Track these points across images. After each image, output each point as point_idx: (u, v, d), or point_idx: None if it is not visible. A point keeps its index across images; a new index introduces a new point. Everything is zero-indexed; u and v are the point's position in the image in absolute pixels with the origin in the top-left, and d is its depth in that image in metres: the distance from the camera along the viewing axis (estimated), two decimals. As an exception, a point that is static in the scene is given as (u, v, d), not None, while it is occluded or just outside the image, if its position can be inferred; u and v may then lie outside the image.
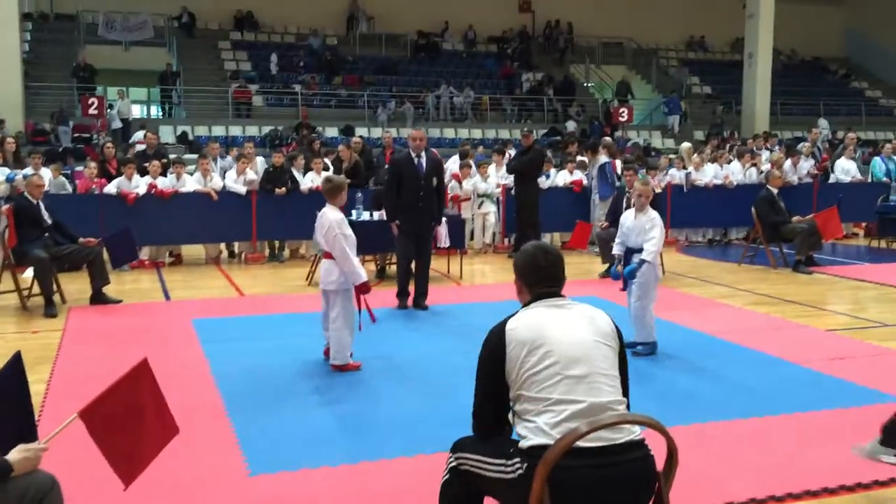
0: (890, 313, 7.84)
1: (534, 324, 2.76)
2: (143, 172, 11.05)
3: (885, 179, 13.75)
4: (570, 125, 23.51)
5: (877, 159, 14.38)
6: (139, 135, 16.65)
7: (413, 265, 8.12)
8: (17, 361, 2.80)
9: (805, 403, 5.04)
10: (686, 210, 12.81)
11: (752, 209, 10.64)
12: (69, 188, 11.32)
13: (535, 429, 2.61)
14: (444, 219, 9.96)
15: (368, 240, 9.55)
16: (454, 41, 27.86)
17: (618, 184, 12.18)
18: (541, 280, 2.89)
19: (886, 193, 12.98)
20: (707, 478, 3.88)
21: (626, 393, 2.82)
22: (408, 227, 7.92)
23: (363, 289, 5.79)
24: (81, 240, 8.29)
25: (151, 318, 7.67)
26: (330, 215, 5.88)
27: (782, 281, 9.65)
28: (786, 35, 26.10)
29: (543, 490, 2.49)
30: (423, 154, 8.09)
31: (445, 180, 11.32)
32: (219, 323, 7.40)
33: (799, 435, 4.53)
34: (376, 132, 21.83)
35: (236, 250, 11.96)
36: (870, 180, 14.00)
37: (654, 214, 6.40)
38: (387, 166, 9.33)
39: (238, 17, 25.74)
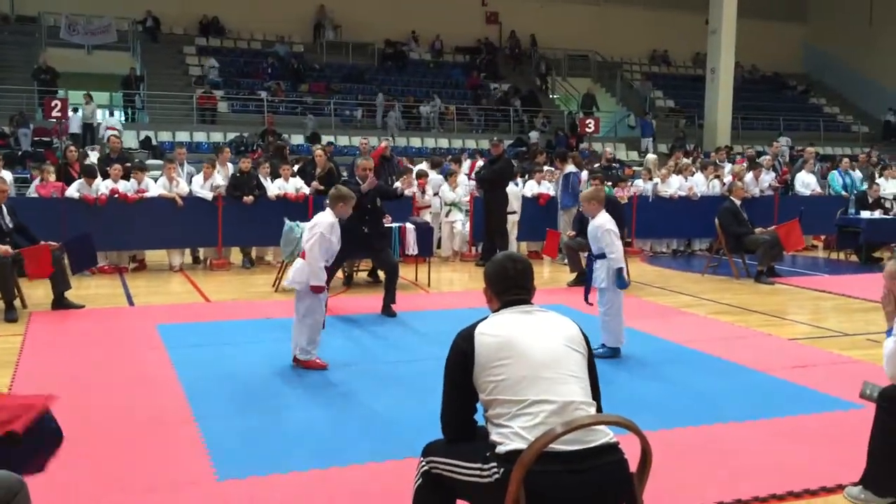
0: (849, 323, 8.01)
1: (504, 328, 2.76)
2: (105, 175, 10.90)
3: (843, 193, 14.07)
4: (534, 136, 23.66)
5: (834, 173, 14.72)
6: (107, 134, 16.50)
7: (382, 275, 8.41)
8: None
9: (769, 410, 5.13)
10: (651, 221, 12.96)
11: (716, 220, 10.80)
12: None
13: (512, 434, 2.60)
14: (411, 226, 9.99)
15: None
16: (421, 51, 27.94)
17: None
18: (509, 288, 2.90)
19: (845, 206, 13.27)
20: (675, 482, 3.92)
21: (597, 398, 2.84)
22: (362, 253, 8.35)
23: (317, 290, 5.91)
24: (42, 243, 8.15)
25: (115, 324, 7.55)
26: (325, 217, 6.02)
27: (745, 291, 9.80)
28: (747, 50, 26.61)
29: (520, 492, 2.50)
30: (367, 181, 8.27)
31: (410, 187, 11.43)
32: (185, 328, 7.31)
33: (764, 440, 4.61)
34: (343, 140, 21.79)
35: (201, 256, 11.83)
36: (828, 193, 14.31)
37: (599, 221, 6.51)
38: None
39: (203, 22, 25.55)
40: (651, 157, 15.85)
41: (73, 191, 10.58)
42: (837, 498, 3.85)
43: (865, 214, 12.54)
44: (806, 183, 14.20)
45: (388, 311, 8.04)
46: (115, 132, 16.79)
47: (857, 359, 6.49)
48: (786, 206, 13.37)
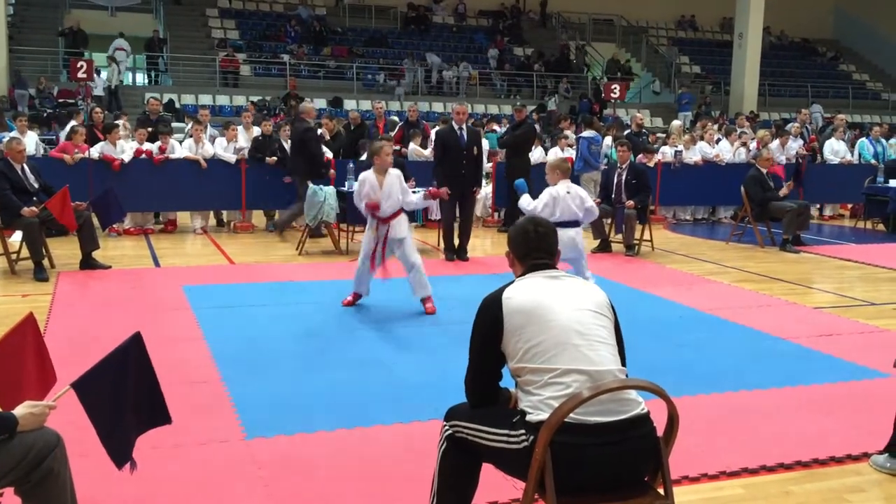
0: (875, 292, 7.94)
1: (531, 293, 2.73)
2: (154, 138, 11.07)
3: (872, 161, 13.87)
4: (553, 102, 23.41)
5: (864, 141, 14.49)
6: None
7: (457, 225, 9.25)
8: (138, 341, 2.77)
9: (794, 378, 5.11)
10: (675, 188, 12.86)
11: (742, 188, 10.69)
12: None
13: (541, 402, 2.58)
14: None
15: (359, 210, 9.55)
16: (444, 14, 27.66)
17: (606, 161, 12.23)
18: (531, 252, 2.87)
19: (874, 175, 13.08)
20: (699, 448, 3.93)
21: (623, 365, 2.83)
22: (452, 192, 8.29)
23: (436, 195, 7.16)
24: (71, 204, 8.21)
25: (142, 284, 7.64)
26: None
27: (770, 259, 9.73)
28: (776, 15, 26.12)
29: (546, 455, 2.50)
30: (464, 126, 9.25)
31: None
32: (210, 290, 7.38)
33: (789, 408, 4.60)
34: (365, 104, 21.71)
35: (225, 219, 11.90)
36: (857, 162, 14.12)
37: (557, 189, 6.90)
38: (433, 137, 10.62)
39: (226, -17, 25.44)
40: (676, 123, 15.66)
41: (94, 151, 10.64)
42: (863, 466, 3.84)
43: (894, 183, 12.35)
44: (836, 150, 14.00)
45: (462, 256, 9.15)
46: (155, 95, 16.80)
47: (884, 328, 6.44)
48: (813, 174, 13.21)
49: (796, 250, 10.25)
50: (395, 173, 6.67)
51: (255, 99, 20.78)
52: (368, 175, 6.64)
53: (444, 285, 7.83)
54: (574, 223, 6.90)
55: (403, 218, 6.74)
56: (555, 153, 12.84)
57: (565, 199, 6.82)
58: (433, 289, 6.72)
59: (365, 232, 6.84)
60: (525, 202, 6.89)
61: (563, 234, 6.34)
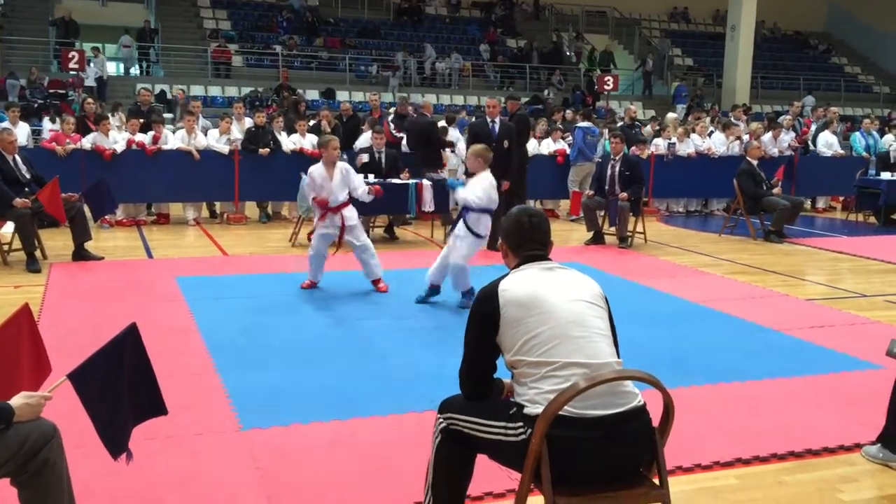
0: (867, 284, 7.98)
1: (527, 285, 2.72)
2: (146, 128, 11.03)
3: (864, 154, 13.92)
4: (552, 94, 23.41)
5: (856, 134, 14.54)
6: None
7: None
8: (134, 332, 2.76)
9: (787, 369, 5.14)
10: (668, 180, 12.88)
11: (735, 181, 10.72)
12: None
13: (540, 396, 2.57)
14: (428, 182, 9.97)
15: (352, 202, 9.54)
16: (437, 5, 27.59)
17: (601, 153, 12.24)
18: (524, 242, 2.86)
19: (865, 167, 13.13)
20: (694, 438, 3.95)
21: (618, 355, 2.83)
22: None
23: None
24: (63, 195, 8.18)
25: (135, 275, 7.62)
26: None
27: (762, 251, 9.77)
28: (769, 8, 26.13)
29: (543, 446, 2.51)
30: (496, 120, 9.26)
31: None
32: (203, 281, 7.37)
33: (782, 399, 4.62)
34: (357, 96, 21.66)
35: (218, 210, 11.87)
36: (848, 154, 14.17)
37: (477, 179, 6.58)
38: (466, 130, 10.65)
39: (218, -26, 25.30)
40: (670, 116, 15.69)
41: (86, 142, 10.59)
42: (855, 456, 3.87)
43: (886, 176, 12.41)
44: (829, 143, 14.04)
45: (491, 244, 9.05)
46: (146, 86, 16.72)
47: (875, 320, 6.47)
48: (805, 166, 13.25)
49: (780, 241, 10.32)
50: (341, 166, 7.13)
51: (247, 90, 20.72)
52: (318, 168, 7.05)
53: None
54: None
55: (352, 206, 7.20)
56: (548, 145, 12.87)
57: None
58: (447, 279, 6.71)
59: (314, 225, 7.26)
60: (462, 195, 6.52)
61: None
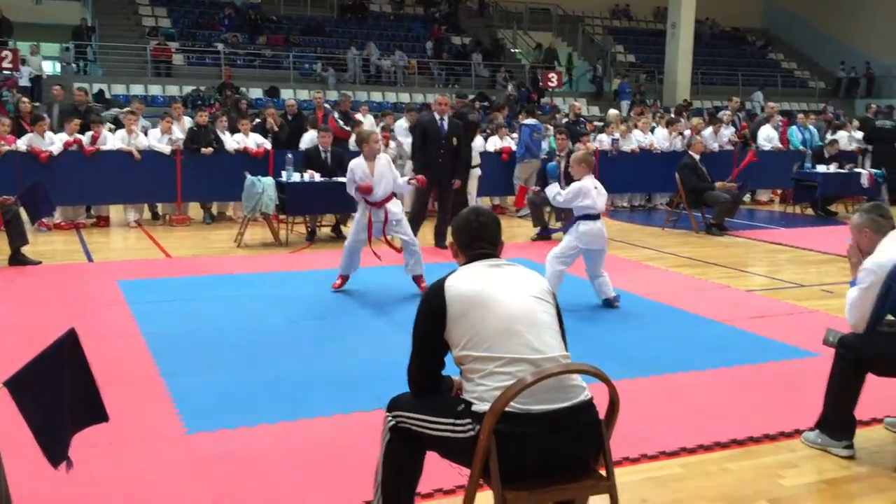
0: (804, 274, 8.19)
1: (473, 281, 2.74)
2: (85, 129, 10.75)
3: (801, 148, 14.27)
4: (510, 88, 23.46)
5: (794, 128, 14.89)
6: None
7: (437, 212, 9.51)
8: (73, 337, 2.66)
9: (729, 359, 5.25)
10: (612, 176, 13.00)
11: (676, 175, 10.90)
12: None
13: (487, 394, 2.58)
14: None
15: (298, 201, 9.48)
16: (381, 3, 27.49)
17: (546, 149, 12.33)
18: (473, 241, 2.89)
19: (801, 161, 13.47)
20: (639, 430, 4.01)
21: (566, 349, 2.86)
22: (430, 180, 8.41)
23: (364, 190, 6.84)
24: (-3, 198, 7.96)
25: (75, 280, 7.44)
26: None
27: (704, 244, 9.96)
28: (707, 5, 26.62)
29: (490, 441, 2.52)
30: (445, 117, 9.22)
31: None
32: (146, 284, 7.22)
33: (725, 388, 4.72)
34: (302, 94, 21.46)
35: (160, 212, 11.66)
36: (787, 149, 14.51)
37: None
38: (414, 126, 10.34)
39: (157, -29, 24.81)
40: (613, 112, 15.88)
41: (21, 143, 10.29)
42: (795, 442, 3.97)
43: (822, 168, 12.74)
44: (769, 137, 14.35)
45: (439, 244, 9.25)
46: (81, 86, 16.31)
47: (813, 309, 6.65)
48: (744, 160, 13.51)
49: (721, 234, 10.55)
50: (384, 158, 6.96)
51: (189, 89, 20.37)
52: (359, 162, 6.85)
53: (385, 274, 7.78)
54: (598, 216, 6.69)
55: (397, 200, 7.06)
56: (494, 143, 12.93)
57: (593, 193, 6.59)
58: (395, 278, 6.72)
59: (356, 217, 7.04)
60: (552, 192, 6.82)
61: (594, 227, 6.48)
